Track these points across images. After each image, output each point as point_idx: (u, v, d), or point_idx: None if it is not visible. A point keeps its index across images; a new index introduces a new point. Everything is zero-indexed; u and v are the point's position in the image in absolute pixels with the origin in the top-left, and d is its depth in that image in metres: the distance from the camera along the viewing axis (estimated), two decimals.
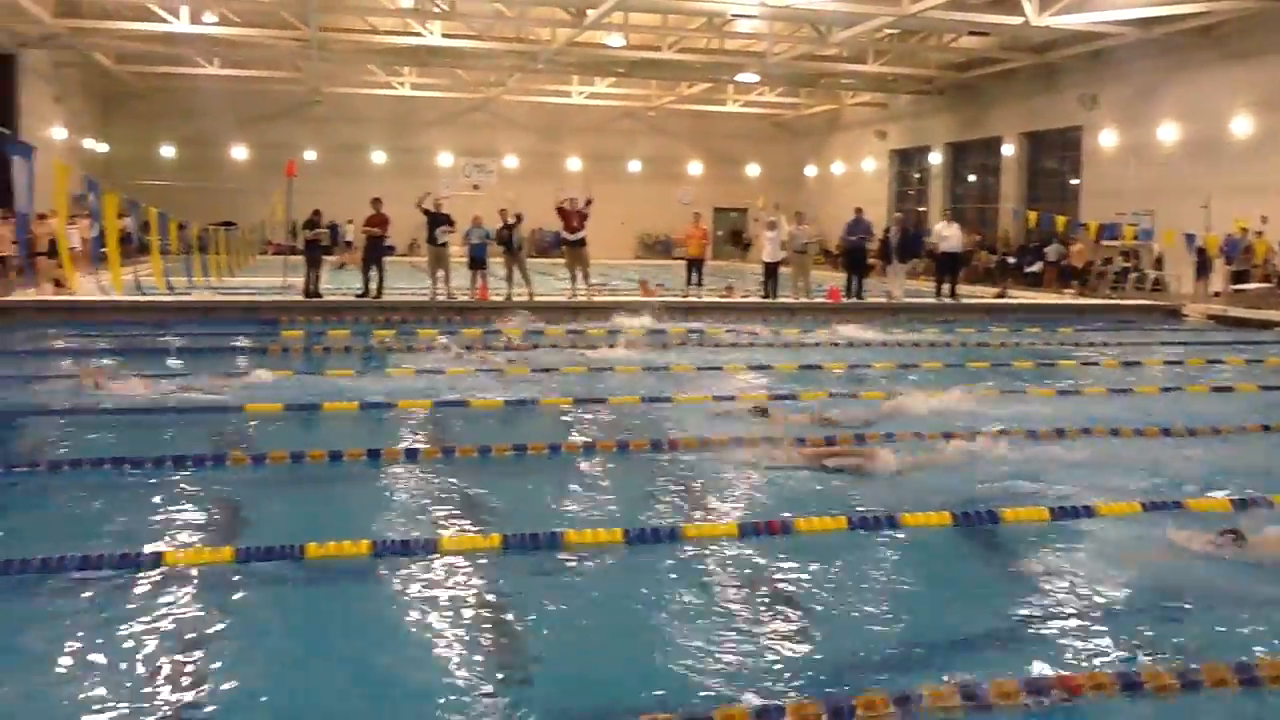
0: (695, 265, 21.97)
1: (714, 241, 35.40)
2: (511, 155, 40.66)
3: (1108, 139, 26.89)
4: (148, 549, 5.46)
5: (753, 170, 43.49)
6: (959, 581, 5.54)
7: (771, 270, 20.75)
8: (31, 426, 8.87)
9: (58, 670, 4.19)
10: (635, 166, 42.62)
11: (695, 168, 43.29)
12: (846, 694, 3.96)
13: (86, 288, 19.49)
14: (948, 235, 21.74)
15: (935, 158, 35.09)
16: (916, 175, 37.33)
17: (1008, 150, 31.24)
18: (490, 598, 5.06)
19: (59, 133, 30.52)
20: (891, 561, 5.70)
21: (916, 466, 7.55)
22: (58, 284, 19.00)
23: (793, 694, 4.04)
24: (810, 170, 43.16)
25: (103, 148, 36.50)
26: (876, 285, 22.69)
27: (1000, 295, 23.47)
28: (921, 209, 35.68)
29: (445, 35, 28.84)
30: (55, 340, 14.34)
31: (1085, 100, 27.28)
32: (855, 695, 3.92)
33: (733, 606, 4.99)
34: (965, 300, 21.61)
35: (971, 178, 34.53)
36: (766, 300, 20.44)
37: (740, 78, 33.26)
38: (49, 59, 30.04)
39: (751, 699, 3.98)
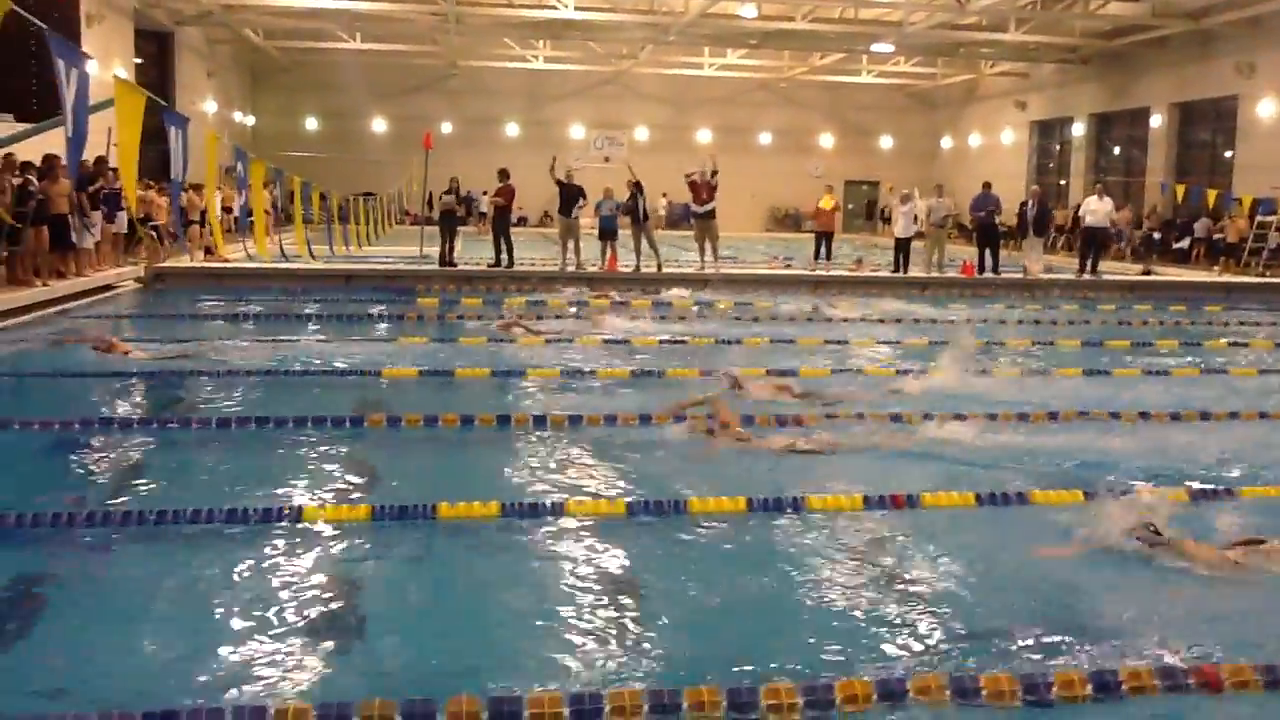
0: (824, 239, 21.70)
1: (844, 215, 34.89)
2: (642, 127, 40.74)
3: (1266, 109, 25.49)
4: (289, 505, 5.71)
5: (886, 142, 42.66)
6: (1090, 563, 5.37)
7: (903, 245, 20.36)
8: (182, 385, 9.31)
9: (206, 614, 4.42)
10: (765, 139, 42.21)
11: (827, 140, 42.68)
12: (972, 672, 3.92)
13: (234, 255, 20.35)
14: (1095, 209, 20.98)
15: (1078, 129, 33.78)
16: (1057, 147, 36.06)
17: (1156, 121, 29.86)
18: (613, 560, 5.15)
19: (210, 106, 31.86)
20: (1019, 539, 5.58)
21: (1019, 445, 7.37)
22: (208, 251, 19.91)
23: (916, 667, 4.02)
24: (946, 142, 42.09)
25: (250, 120, 37.94)
26: (1014, 260, 22.05)
27: (1145, 272, 22.60)
28: (1062, 182, 34.48)
29: (579, 8, 28.99)
30: (203, 304, 15.02)
31: (1243, 69, 25.92)
32: (981, 674, 3.87)
33: (854, 578, 4.97)
34: (1107, 277, 20.84)
35: (1116, 150, 33.17)
36: (897, 275, 20.09)
37: (875, 48, 32.51)
38: (203, 36, 31.38)
39: (873, 672, 3.96)
